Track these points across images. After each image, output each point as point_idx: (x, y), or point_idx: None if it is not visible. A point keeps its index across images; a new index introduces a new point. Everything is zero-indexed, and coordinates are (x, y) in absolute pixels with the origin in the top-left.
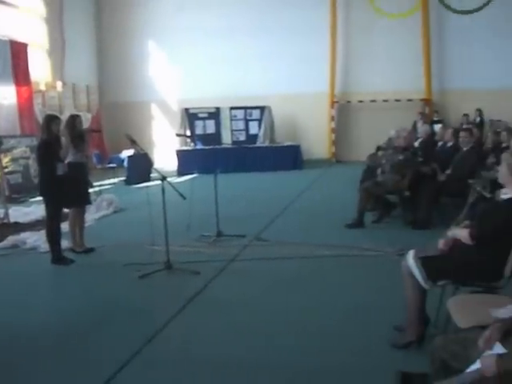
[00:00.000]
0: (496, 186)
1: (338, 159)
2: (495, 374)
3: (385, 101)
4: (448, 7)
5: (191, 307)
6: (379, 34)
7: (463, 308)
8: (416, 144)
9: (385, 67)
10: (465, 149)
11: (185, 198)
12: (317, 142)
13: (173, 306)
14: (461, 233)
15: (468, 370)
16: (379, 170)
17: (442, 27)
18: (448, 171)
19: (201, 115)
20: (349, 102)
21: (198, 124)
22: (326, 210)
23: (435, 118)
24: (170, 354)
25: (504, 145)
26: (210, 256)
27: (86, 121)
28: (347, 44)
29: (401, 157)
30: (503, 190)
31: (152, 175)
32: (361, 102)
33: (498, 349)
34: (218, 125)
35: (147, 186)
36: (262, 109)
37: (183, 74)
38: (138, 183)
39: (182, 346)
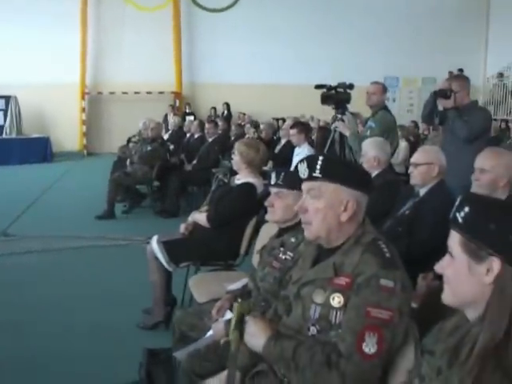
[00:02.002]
0: (235, 173)
1: (89, 151)
2: (225, 338)
3: (136, 93)
4: (198, 5)
5: None
6: (131, 26)
7: (202, 285)
8: (166, 136)
9: (136, 59)
10: (210, 140)
11: None
12: (67, 133)
13: None
14: (199, 217)
15: (204, 337)
16: (128, 161)
17: (192, 22)
18: (194, 161)
19: None
20: (100, 93)
21: None
22: (77, 202)
23: (187, 111)
24: None
25: (247, 136)
26: None
27: None
28: (98, 34)
29: (149, 148)
30: (237, 176)
31: None
32: (112, 93)
33: (228, 315)
34: None
35: None
36: (7, 99)
37: None
38: None
39: None
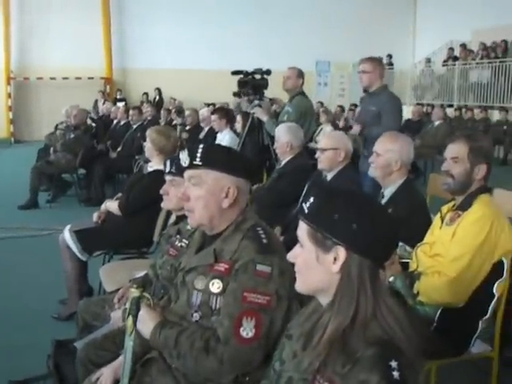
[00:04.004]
0: None
1: (17, 139)
2: (121, 324)
3: (65, 78)
4: None
5: None
6: (58, 9)
7: (112, 274)
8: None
9: (65, 44)
10: (134, 126)
11: None
12: None
13: None
14: (111, 205)
15: (104, 326)
16: (52, 150)
17: (122, 6)
18: (119, 148)
19: None
20: (27, 78)
21: None
22: (1, 191)
23: (118, 97)
24: None
25: (174, 123)
26: None
27: None
28: (23, 18)
29: (72, 135)
30: (149, 164)
31: None
32: (40, 78)
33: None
34: None
35: None
36: None
37: None
38: None
39: None
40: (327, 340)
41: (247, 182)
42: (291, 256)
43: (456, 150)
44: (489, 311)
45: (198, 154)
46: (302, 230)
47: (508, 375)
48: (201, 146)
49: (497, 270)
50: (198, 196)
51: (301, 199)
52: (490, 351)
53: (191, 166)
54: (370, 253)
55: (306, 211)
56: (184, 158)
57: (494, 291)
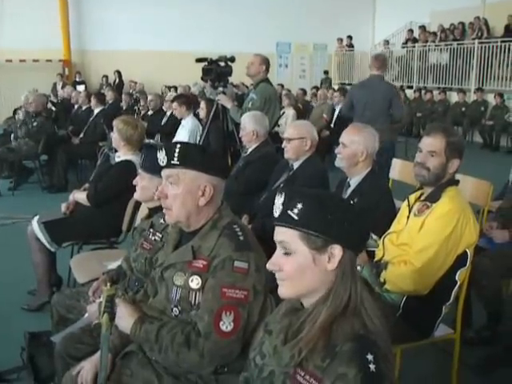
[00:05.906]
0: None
1: None
2: (96, 320)
3: (22, 61)
4: None
5: None
6: None
7: (83, 265)
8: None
9: (20, 24)
10: (96, 111)
11: None
12: None
13: None
14: (80, 195)
15: (80, 320)
16: (12, 136)
17: None
18: (81, 135)
19: None
20: None
21: None
22: None
23: (77, 80)
24: None
25: (137, 107)
26: None
27: None
28: None
29: (35, 123)
30: (117, 154)
31: None
32: None
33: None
34: None
35: None
36: None
37: None
38: None
39: None
40: (319, 327)
41: (222, 180)
42: (274, 265)
43: (433, 144)
44: (451, 297)
45: (176, 154)
46: (292, 236)
47: (468, 354)
48: (178, 145)
49: (460, 260)
50: (176, 194)
51: (280, 208)
52: (452, 333)
53: (169, 165)
54: (357, 246)
55: (296, 218)
56: (161, 157)
57: (457, 278)
